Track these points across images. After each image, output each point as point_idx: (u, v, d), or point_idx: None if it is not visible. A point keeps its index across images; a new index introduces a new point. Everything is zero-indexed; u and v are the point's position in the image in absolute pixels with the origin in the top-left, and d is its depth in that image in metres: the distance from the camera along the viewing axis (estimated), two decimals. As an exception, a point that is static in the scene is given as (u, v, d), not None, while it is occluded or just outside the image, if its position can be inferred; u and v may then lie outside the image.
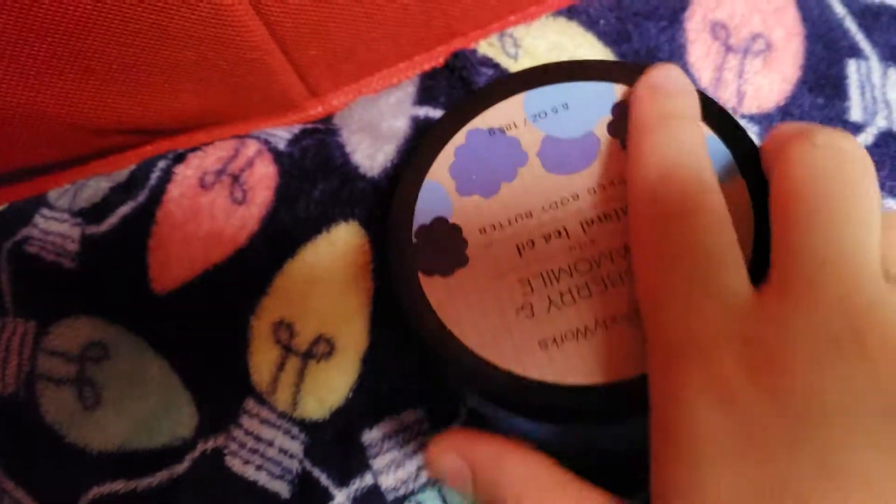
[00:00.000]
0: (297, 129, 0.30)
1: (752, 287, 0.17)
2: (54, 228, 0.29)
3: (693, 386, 0.16)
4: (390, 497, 0.25)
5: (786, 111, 0.26)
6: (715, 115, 0.22)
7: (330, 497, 0.26)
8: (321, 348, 0.26)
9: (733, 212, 0.19)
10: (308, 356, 0.26)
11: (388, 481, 0.26)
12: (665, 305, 0.17)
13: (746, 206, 0.20)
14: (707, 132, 0.22)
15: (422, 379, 0.26)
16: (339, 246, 0.27)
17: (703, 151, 0.20)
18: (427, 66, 0.31)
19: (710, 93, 0.27)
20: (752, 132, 0.26)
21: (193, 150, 0.30)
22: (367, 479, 0.26)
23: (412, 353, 0.26)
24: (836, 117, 0.26)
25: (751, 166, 0.21)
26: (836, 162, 0.17)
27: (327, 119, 0.31)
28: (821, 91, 0.27)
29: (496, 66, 0.29)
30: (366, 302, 0.26)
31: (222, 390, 0.27)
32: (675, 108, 0.21)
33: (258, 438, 0.26)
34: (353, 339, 0.26)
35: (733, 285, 0.17)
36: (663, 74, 0.22)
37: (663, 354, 0.17)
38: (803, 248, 0.16)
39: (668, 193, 0.19)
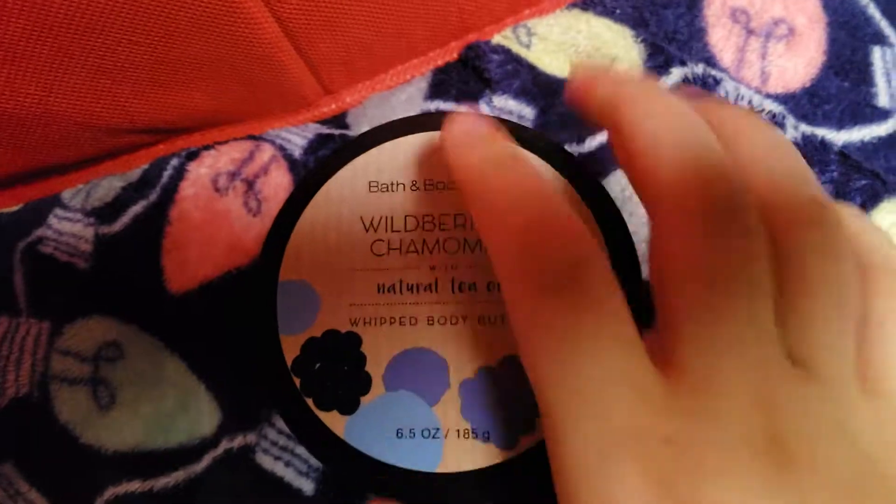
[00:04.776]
0: (312, 133, 0.30)
1: (654, 368, 0.15)
2: (68, 229, 0.29)
3: (621, 486, 0.14)
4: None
5: (812, 93, 0.26)
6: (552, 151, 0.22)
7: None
8: None
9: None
10: None
11: None
12: (573, 399, 0.15)
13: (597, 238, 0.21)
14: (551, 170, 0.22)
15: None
16: None
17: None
18: (440, 62, 0.31)
19: (733, 73, 0.26)
20: (778, 111, 0.25)
21: (206, 147, 0.29)
22: None
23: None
24: (864, 101, 0.26)
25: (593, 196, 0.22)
26: (727, 241, 0.16)
27: (340, 117, 0.31)
28: (846, 76, 0.26)
29: (508, 51, 0.28)
30: None
31: (249, 389, 0.26)
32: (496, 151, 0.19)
33: (289, 437, 0.26)
34: None
35: (641, 368, 0.15)
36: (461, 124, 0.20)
37: (578, 453, 0.15)
38: (708, 337, 0.15)
39: (543, 258, 0.16)
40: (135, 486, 0.26)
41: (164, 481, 0.26)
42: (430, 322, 0.22)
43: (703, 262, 0.15)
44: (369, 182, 0.23)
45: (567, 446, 0.15)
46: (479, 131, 0.20)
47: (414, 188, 0.23)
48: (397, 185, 0.23)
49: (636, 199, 0.26)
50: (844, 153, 0.25)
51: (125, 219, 0.29)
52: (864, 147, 0.26)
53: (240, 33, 0.25)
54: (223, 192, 0.28)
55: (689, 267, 0.15)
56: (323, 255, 0.23)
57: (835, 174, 0.25)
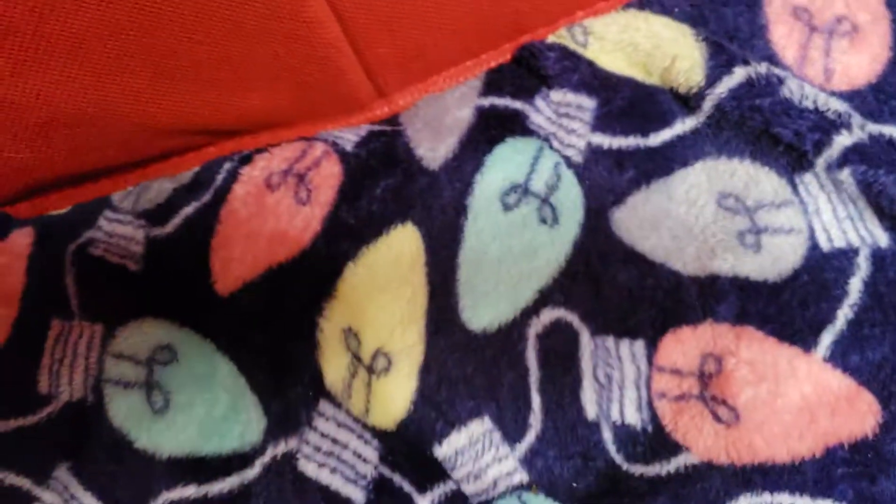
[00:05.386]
0: (364, 131, 0.30)
1: None
2: (119, 231, 0.29)
3: None
4: (474, 502, 0.24)
5: (878, 88, 0.26)
6: None
7: (412, 502, 0.25)
8: (380, 363, 0.25)
9: None
10: (370, 371, 0.25)
11: (469, 489, 0.25)
12: None
13: None
14: None
15: (484, 387, 0.25)
16: (395, 249, 0.27)
17: None
18: (493, 64, 0.31)
19: (796, 70, 0.26)
20: (843, 109, 0.25)
21: (259, 151, 0.29)
22: (450, 485, 0.24)
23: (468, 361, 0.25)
24: (933, 96, 0.25)
25: None
26: None
27: (393, 118, 0.31)
28: (913, 71, 0.26)
29: (563, 48, 0.28)
30: (421, 307, 0.26)
31: (291, 392, 0.26)
32: None
33: (334, 441, 0.25)
34: (408, 352, 0.25)
35: None
36: None
37: None
38: None
39: None
40: (190, 491, 0.25)
41: (219, 487, 0.25)
42: None
43: None
44: None
45: None
46: None
47: None
48: None
49: (700, 201, 0.26)
50: (912, 151, 0.25)
51: (177, 220, 0.28)
52: (932, 143, 0.26)
53: (302, 33, 0.25)
54: (275, 189, 0.28)
55: None
56: None
57: (903, 172, 0.24)
